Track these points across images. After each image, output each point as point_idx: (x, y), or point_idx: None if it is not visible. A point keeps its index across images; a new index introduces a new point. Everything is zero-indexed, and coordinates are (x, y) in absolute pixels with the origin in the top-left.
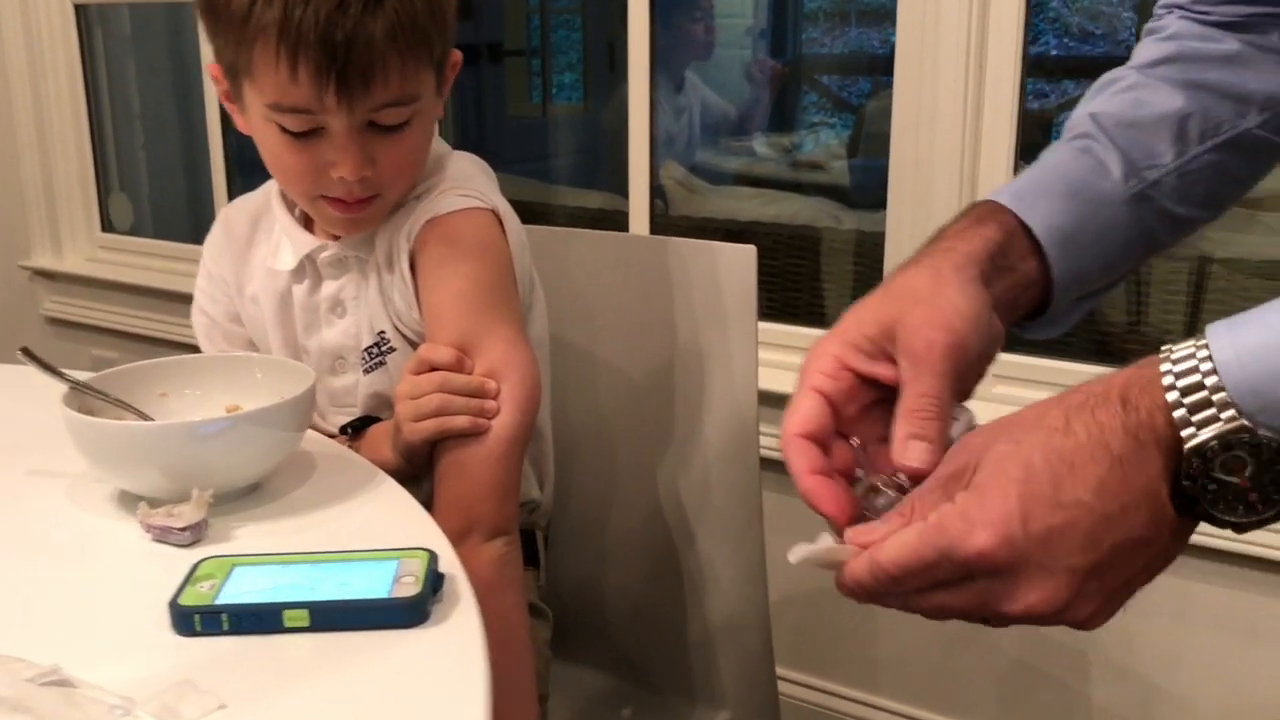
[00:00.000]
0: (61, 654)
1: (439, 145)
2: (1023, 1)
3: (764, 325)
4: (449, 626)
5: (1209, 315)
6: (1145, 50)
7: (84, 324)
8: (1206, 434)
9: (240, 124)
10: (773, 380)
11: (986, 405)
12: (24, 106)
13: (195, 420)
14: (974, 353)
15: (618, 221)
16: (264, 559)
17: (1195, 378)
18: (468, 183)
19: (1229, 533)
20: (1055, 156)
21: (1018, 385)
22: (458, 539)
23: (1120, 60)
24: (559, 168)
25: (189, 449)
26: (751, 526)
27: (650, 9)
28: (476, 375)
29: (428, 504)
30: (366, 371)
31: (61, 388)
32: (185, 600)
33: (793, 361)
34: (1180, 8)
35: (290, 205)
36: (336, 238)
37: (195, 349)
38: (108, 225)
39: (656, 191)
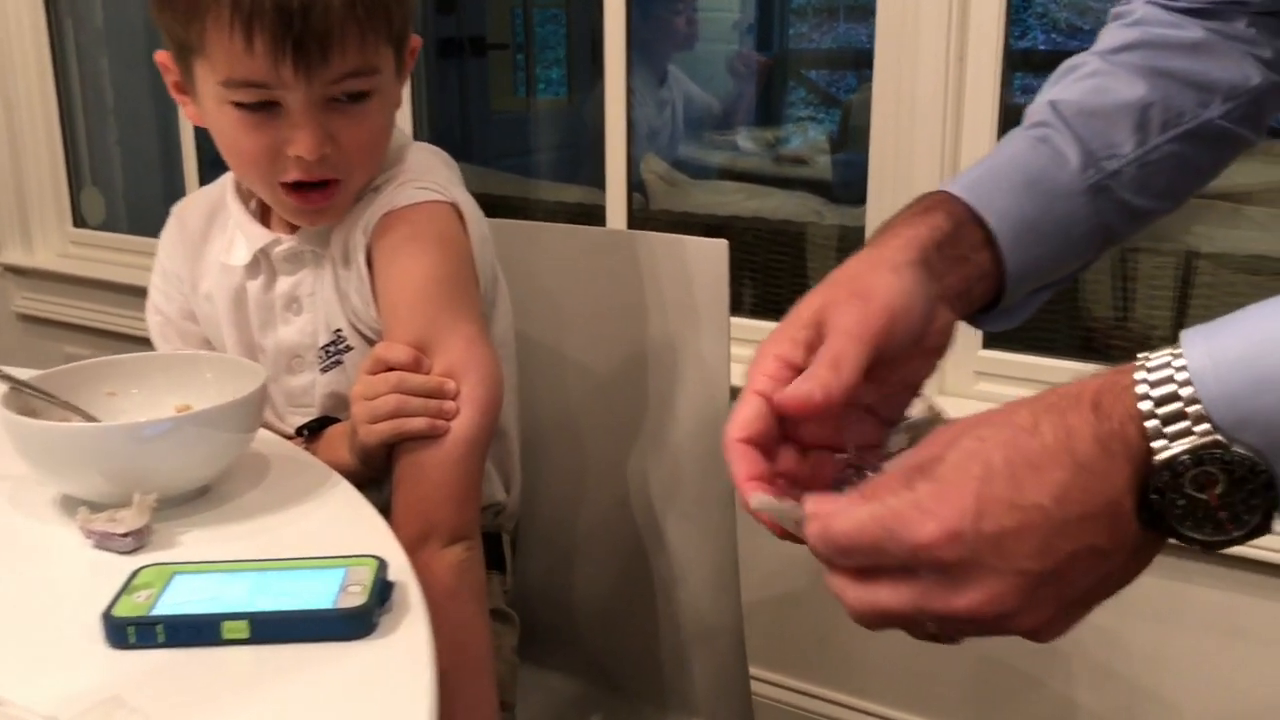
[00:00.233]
0: None
1: (399, 136)
2: None
3: (744, 322)
4: (397, 638)
5: (1195, 310)
6: (1110, 36)
7: (56, 321)
8: (1178, 447)
9: (192, 115)
10: None
11: (968, 402)
12: None
13: (139, 421)
14: (903, 331)
15: (597, 216)
16: (206, 567)
17: (1170, 388)
18: (427, 175)
19: None
20: (1012, 146)
21: (1001, 382)
22: (416, 545)
23: None
24: (542, 162)
25: (132, 451)
26: (724, 527)
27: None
28: (435, 375)
29: (387, 508)
30: (324, 371)
31: (2, 387)
32: (119, 611)
33: None
34: None
35: (246, 198)
36: (293, 230)
37: None
38: (80, 220)
39: (636, 185)
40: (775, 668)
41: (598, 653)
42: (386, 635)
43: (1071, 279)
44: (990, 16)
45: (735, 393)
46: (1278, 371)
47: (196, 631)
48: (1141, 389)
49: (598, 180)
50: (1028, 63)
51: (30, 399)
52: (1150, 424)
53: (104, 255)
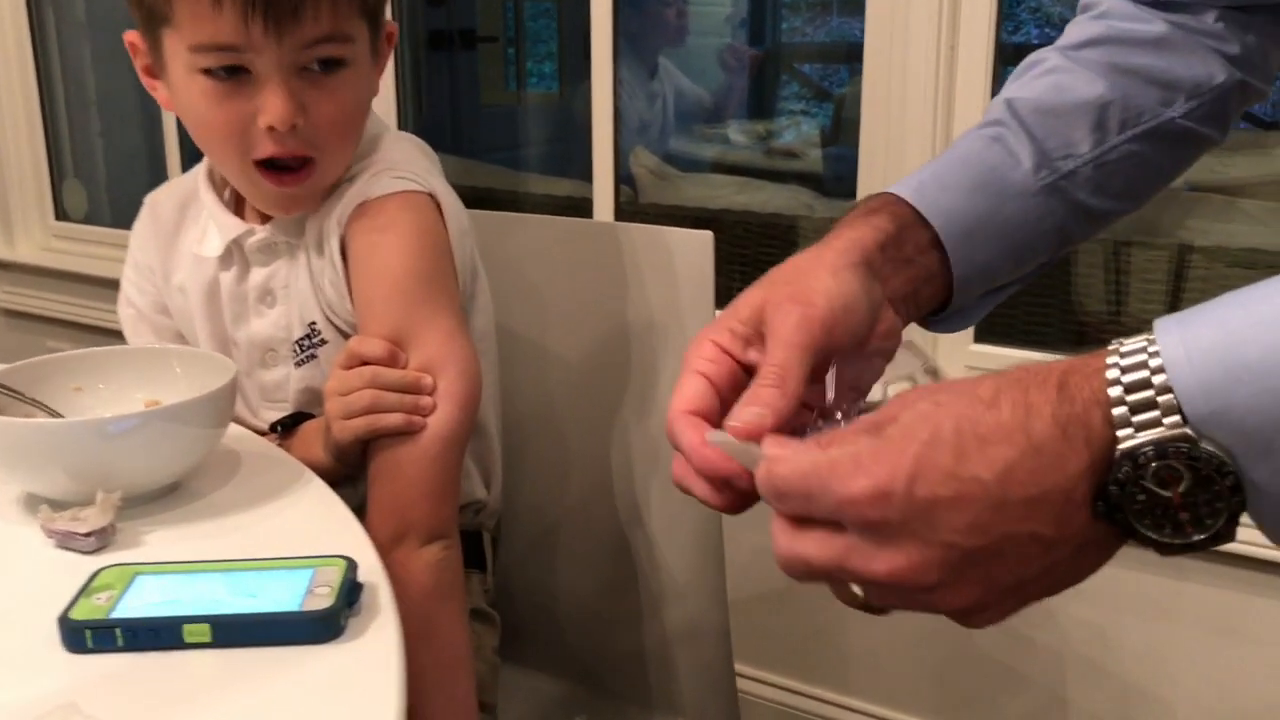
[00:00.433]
0: None
1: (376, 124)
2: None
3: None
4: (365, 641)
5: (1189, 304)
6: (1074, 30)
7: (38, 315)
8: (1143, 437)
9: (164, 100)
10: None
11: None
12: None
13: (105, 417)
14: (844, 335)
15: (585, 210)
16: (169, 568)
17: (1142, 374)
18: (404, 164)
19: None
20: (965, 145)
21: None
22: (392, 544)
23: None
24: (532, 155)
25: (97, 448)
26: (710, 524)
27: None
28: (411, 370)
29: (362, 507)
30: (298, 365)
31: None
32: (77, 614)
33: None
34: None
35: (219, 188)
36: (266, 221)
37: None
38: (62, 214)
39: (625, 179)
40: (762, 665)
41: (581, 652)
42: (355, 638)
43: (1029, 280)
44: (981, 10)
45: None
46: (1253, 363)
47: (156, 635)
48: (1112, 374)
49: (587, 174)
50: (1020, 57)
51: None
52: (1118, 411)
53: (86, 249)
